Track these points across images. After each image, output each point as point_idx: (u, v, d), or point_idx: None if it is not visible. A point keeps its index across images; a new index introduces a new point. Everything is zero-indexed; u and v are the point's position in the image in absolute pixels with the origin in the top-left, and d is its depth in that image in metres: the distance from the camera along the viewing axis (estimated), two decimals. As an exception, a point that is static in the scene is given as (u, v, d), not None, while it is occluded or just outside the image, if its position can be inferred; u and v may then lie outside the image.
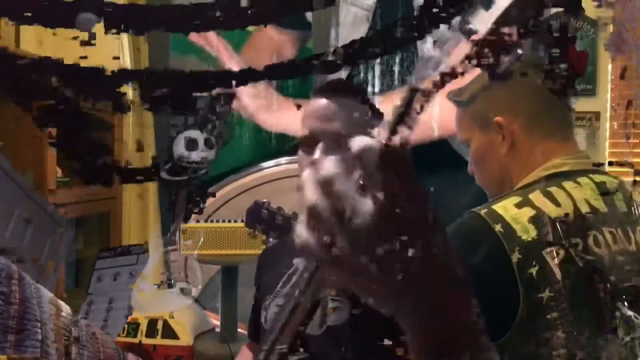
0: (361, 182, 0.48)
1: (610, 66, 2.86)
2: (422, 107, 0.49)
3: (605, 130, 2.93)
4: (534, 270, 1.06)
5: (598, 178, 1.18)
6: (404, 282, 0.48)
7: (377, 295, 0.50)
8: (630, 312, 1.08)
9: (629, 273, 1.12)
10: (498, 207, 1.13)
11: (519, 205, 1.12)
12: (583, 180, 1.16)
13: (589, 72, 2.81)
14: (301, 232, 0.50)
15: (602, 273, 1.09)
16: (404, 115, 0.50)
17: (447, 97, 1.29)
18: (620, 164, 1.22)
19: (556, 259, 1.07)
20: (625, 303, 1.09)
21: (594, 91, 2.93)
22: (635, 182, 1.13)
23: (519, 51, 0.47)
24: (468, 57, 0.47)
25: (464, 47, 0.48)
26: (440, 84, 0.49)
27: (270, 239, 1.54)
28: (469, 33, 0.47)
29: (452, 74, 0.48)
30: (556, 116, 1.22)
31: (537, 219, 1.10)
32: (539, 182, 1.17)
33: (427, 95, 0.49)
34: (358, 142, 0.49)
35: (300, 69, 1.27)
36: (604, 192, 1.14)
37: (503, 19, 0.47)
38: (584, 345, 1.06)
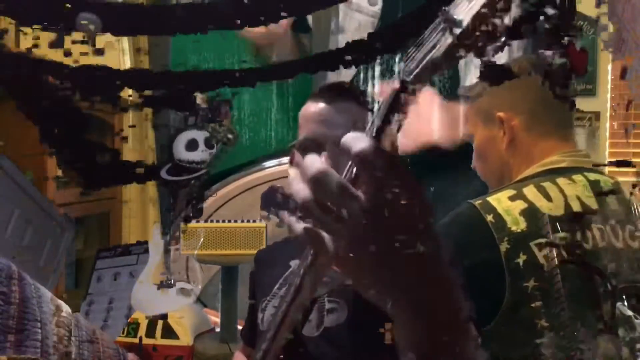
0: (353, 178, 0.49)
1: (610, 66, 2.86)
2: (408, 104, 0.49)
3: (605, 130, 2.92)
4: (520, 260, 1.10)
5: (592, 176, 1.21)
6: (396, 276, 0.48)
7: (371, 288, 0.50)
8: (629, 312, 1.09)
9: (617, 269, 1.15)
10: (492, 199, 1.17)
11: (512, 198, 1.16)
12: (577, 177, 1.20)
13: (589, 72, 2.80)
14: (299, 189, 0.50)
15: (602, 273, 1.11)
16: (391, 112, 0.50)
17: (458, 92, 1.37)
18: (619, 164, 1.23)
19: (543, 251, 1.11)
20: (626, 302, 1.10)
21: (594, 91, 2.93)
22: (635, 183, 1.15)
23: (503, 39, 0.45)
24: (452, 47, 0.46)
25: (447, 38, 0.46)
26: (424, 78, 0.48)
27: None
28: (452, 23, 0.45)
29: (438, 67, 0.47)
30: (556, 117, 1.26)
31: (528, 212, 1.13)
32: (534, 176, 1.21)
33: (413, 91, 0.48)
34: (355, 143, 0.49)
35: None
36: (598, 192, 1.17)
37: (487, 7, 0.45)
38: (575, 339, 1.08)
